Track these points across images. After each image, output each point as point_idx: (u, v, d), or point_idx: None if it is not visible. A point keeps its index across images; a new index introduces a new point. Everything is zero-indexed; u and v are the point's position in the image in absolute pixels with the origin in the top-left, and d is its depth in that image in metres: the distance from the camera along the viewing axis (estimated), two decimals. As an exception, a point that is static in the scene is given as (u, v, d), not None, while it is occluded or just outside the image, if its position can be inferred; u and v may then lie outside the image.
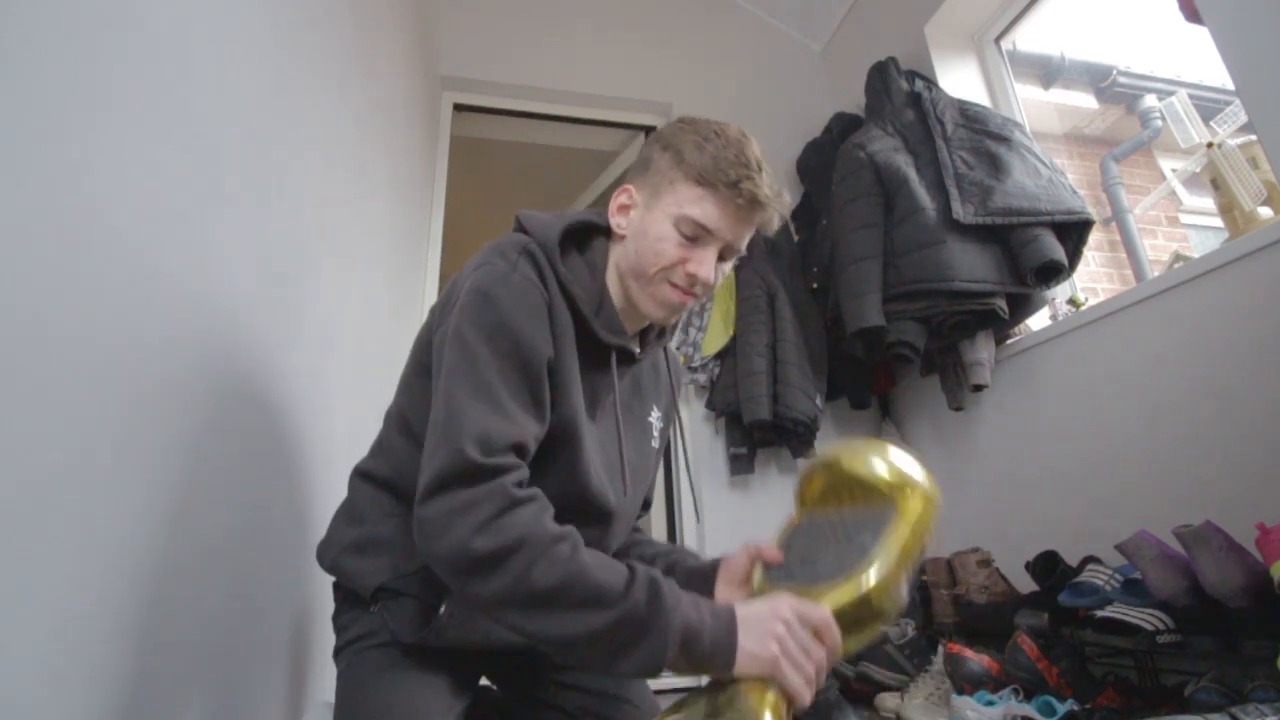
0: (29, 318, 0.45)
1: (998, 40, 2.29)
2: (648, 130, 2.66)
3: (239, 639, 0.76)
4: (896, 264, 1.86)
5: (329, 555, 0.78)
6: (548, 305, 0.72)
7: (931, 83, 2.11)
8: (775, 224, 0.79)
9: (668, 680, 1.69)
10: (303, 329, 1.00)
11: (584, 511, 0.77)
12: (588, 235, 0.82)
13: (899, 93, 2.10)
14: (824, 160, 2.37)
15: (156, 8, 0.62)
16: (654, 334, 0.88)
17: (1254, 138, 1.53)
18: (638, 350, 0.85)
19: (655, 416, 0.91)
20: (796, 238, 2.47)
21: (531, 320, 0.70)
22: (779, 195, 0.76)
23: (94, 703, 0.51)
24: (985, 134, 1.87)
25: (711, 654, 0.61)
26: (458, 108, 2.53)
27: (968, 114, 1.94)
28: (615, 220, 0.81)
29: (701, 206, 0.74)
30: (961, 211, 1.78)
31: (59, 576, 0.47)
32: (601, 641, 0.60)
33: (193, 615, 0.66)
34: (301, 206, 1.03)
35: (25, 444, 0.45)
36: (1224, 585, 1.06)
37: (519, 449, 0.66)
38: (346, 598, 0.80)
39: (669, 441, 0.97)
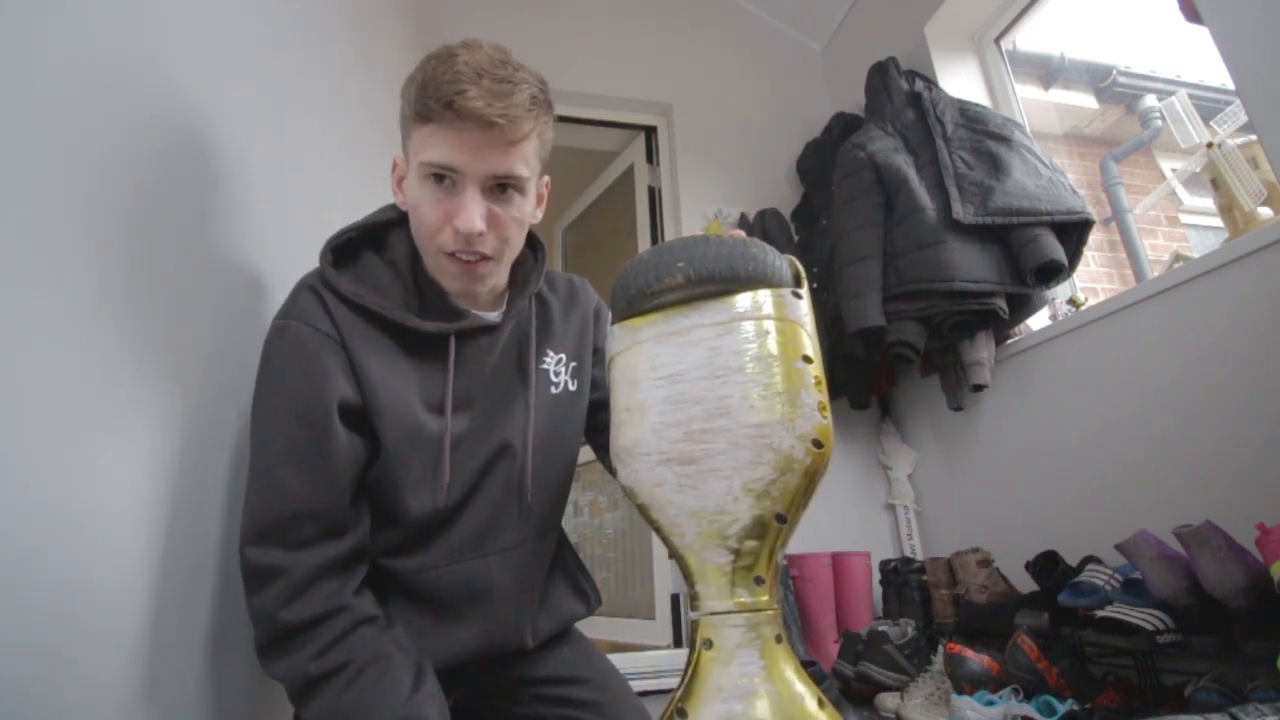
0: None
1: (998, 40, 2.29)
2: (648, 130, 2.66)
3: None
4: (896, 264, 1.86)
5: None
6: (336, 340, 0.68)
7: (931, 83, 2.11)
8: (533, 129, 0.67)
9: (654, 681, 1.69)
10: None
11: (492, 506, 0.77)
12: (382, 233, 0.77)
13: (899, 93, 2.10)
14: (824, 160, 2.37)
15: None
16: (519, 289, 0.81)
17: (1254, 138, 1.53)
18: (495, 317, 0.78)
19: (553, 359, 0.85)
20: (796, 238, 2.47)
21: (307, 369, 0.67)
22: (506, 97, 0.64)
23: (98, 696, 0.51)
24: (985, 134, 1.87)
25: None
26: (458, 107, 2.52)
27: (968, 114, 1.94)
28: (399, 199, 0.75)
29: (432, 145, 0.65)
30: (961, 211, 1.78)
31: (57, 575, 0.48)
32: None
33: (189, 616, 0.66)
34: (302, 207, 1.03)
35: (28, 448, 0.45)
36: (1224, 585, 1.06)
37: (303, 519, 0.65)
38: None
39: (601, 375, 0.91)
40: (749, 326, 0.56)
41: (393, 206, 0.78)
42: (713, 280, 0.57)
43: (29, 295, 0.46)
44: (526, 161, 0.69)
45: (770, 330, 0.56)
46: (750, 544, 0.53)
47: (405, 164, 0.73)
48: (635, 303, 0.60)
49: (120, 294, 0.56)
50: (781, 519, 0.53)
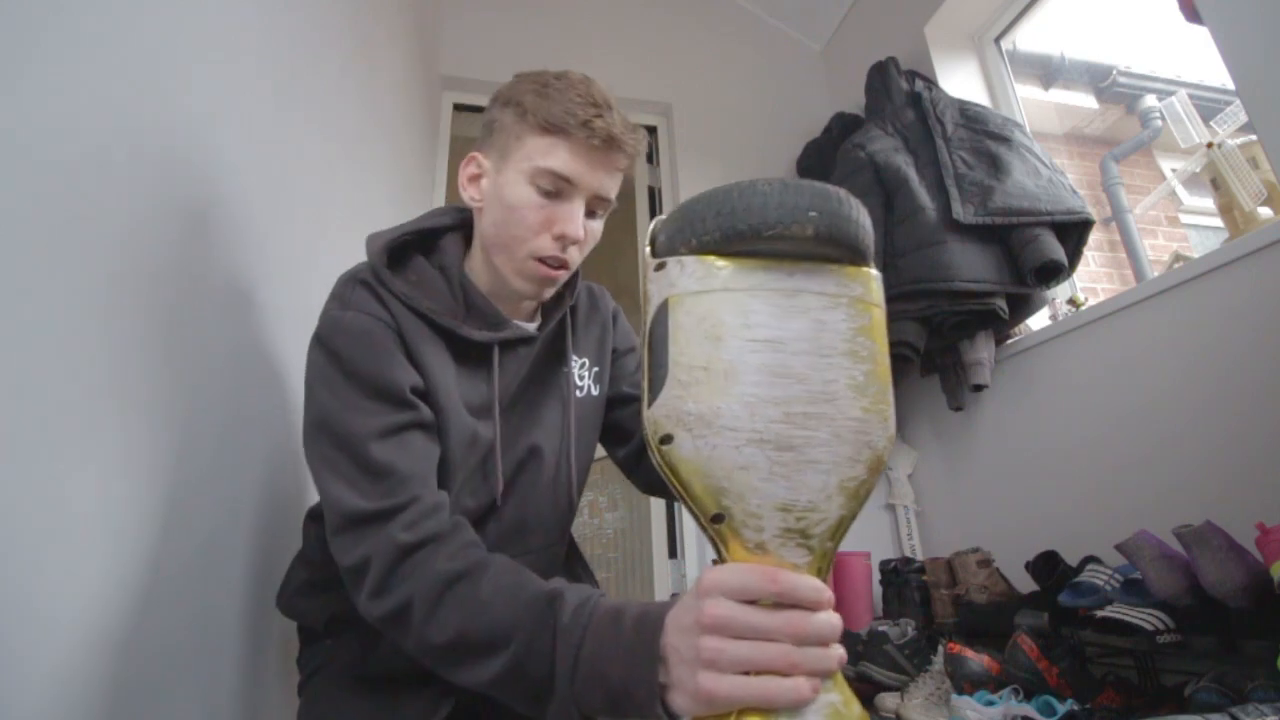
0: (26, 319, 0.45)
1: (998, 40, 2.29)
2: (648, 130, 2.65)
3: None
4: (896, 264, 1.86)
5: (284, 598, 0.79)
6: (395, 330, 0.69)
7: (931, 83, 2.11)
8: (632, 164, 0.76)
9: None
10: (302, 332, 0.99)
11: (530, 504, 0.78)
12: (432, 238, 0.78)
13: (899, 93, 2.10)
14: (824, 160, 2.37)
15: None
16: (555, 302, 0.84)
17: (1254, 138, 1.53)
18: (534, 327, 0.81)
19: (577, 364, 0.87)
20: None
21: (380, 355, 0.67)
22: (634, 130, 0.73)
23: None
24: (985, 134, 1.87)
25: (633, 706, 0.46)
26: (458, 108, 2.52)
27: (968, 114, 1.94)
28: (468, 194, 0.76)
29: (556, 155, 0.69)
30: (961, 211, 1.78)
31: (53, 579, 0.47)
32: (513, 686, 0.51)
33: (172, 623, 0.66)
34: (301, 205, 1.03)
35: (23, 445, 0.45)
36: (1224, 585, 1.06)
37: (404, 482, 0.61)
38: (306, 637, 0.80)
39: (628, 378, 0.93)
40: (857, 307, 0.49)
41: (445, 212, 0.80)
42: (838, 243, 0.47)
43: (26, 295, 0.46)
44: (616, 191, 0.75)
45: (874, 316, 0.49)
46: (828, 545, 0.47)
47: (490, 165, 0.74)
48: (734, 239, 0.47)
49: (116, 293, 0.56)
50: (852, 520, 0.48)
